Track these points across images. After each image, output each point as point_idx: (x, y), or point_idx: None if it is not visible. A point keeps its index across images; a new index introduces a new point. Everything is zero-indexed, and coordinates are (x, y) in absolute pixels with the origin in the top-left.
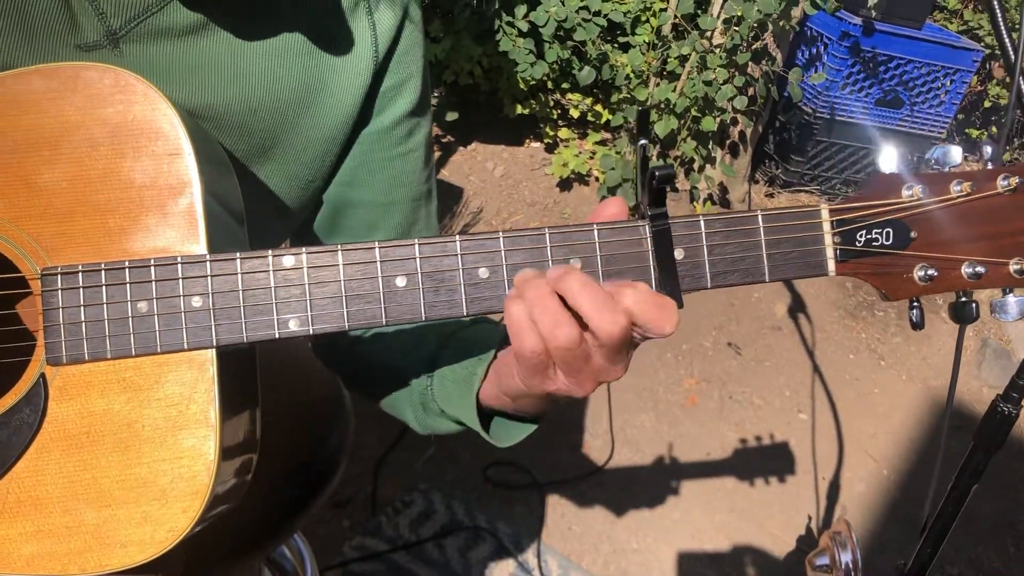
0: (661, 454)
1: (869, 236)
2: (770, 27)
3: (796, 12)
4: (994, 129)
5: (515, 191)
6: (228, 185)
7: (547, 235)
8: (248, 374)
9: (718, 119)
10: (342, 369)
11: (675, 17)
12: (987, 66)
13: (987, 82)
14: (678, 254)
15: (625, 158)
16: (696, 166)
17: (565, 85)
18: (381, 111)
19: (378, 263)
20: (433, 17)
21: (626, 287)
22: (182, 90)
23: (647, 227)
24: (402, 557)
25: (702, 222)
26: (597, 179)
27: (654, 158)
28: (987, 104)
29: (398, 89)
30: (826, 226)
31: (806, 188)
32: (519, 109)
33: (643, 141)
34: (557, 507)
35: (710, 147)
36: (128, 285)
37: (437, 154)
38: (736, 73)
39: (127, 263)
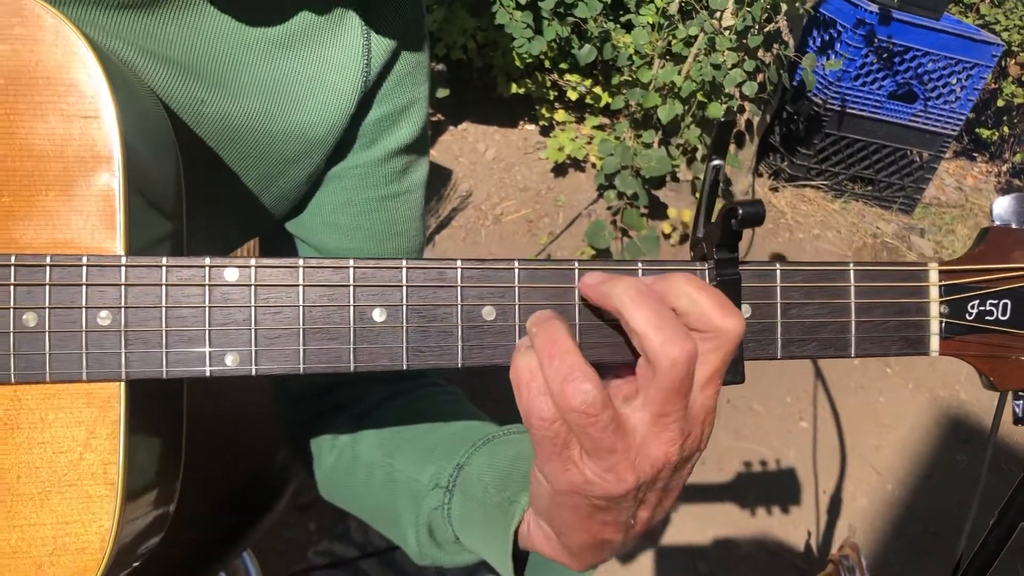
0: None
1: (982, 308)
2: (784, 7)
3: None
4: (1006, 129)
5: (507, 175)
6: (164, 166)
7: (576, 270)
8: (170, 403)
9: (725, 105)
10: (306, 455)
11: None
12: (1003, 63)
13: (1002, 80)
14: (744, 311)
15: (624, 143)
16: (699, 155)
17: (563, 65)
18: (373, 142)
19: (351, 288)
20: None
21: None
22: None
23: (710, 272)
24: (371, 565)
25: (778, 272)
26: (594, 165)
27: (656, 145)
28: (1000, 103)
29: (396, 118)
30: (934, 291)
31: (812, 183)
32: (514, 88)
33: (718, 161)
34: None
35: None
36: (12, 288)
37: None
38: (746, 57)
39: (13, 258)
